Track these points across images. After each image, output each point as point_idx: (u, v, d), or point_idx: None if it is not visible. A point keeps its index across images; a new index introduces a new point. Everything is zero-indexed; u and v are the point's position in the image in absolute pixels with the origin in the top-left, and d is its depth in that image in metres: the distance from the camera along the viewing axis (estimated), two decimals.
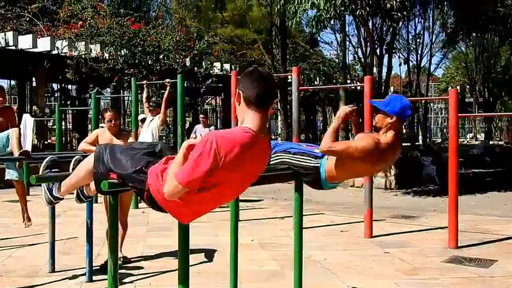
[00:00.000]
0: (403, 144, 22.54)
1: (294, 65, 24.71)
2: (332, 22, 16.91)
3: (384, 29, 16.02)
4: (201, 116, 11.76)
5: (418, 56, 22.93)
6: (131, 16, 20.25)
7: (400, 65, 24.00)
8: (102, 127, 6.92)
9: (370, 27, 15.85)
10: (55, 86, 21.95)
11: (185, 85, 21.34)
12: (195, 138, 9.65)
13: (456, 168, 6.98)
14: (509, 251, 6.84)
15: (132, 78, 11.02)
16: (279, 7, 12.94)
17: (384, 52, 16.42)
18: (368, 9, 11.69)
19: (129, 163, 3.03)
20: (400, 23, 20.47)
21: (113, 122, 6.07)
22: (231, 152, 2.59)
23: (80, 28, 16.41)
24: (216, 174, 2.62)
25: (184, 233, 3.09)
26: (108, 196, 5.89)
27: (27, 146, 12.65)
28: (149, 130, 9.53)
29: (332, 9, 11.28)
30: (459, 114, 7.04)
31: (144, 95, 10.30)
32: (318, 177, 3.96)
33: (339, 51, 19.49)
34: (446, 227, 7.19)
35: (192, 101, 23.87)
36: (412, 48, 23.31)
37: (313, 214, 9.58)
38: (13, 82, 23.80)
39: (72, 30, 16.44)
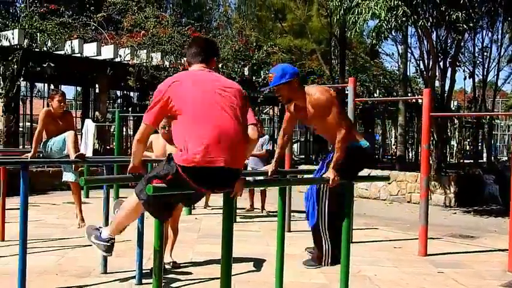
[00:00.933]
0: (466, 161, 21.82)
1: (354, 76, 24.55)
2: (393, 33, 16.66)
3: (449, 41, 15.60)
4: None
5: (485, 70, 22.24)
6: (192, 25, 20.62)
7: (465, 79, 23.29)
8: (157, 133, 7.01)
9: (434, 39, 15.48)
10: (118, 92, 22.56)
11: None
12: None
13: None
14: None
15: None
16: (338, 17, 12.80)
17: (447, 65, 15.98)
18: (431, 20, 11.40)
19: (162, 163, 3.47)
20: (466, 35, 20.01)
21: (166, 129, 6.15)
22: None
23: (142, 37, 16.79)
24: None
25: (228, 241, 3.06)
26: None
27: (89, 150, 13.06)
28: None
29: (393, 20, 11.06)
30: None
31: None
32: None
33: (399, 63, 19.07)
34: (507, 250, 6.87)
35: (254, 111, 23.99)
36: (478, 61, 22.61)
37: (366, 228, 9.39)
38: (79, 88, 24.60)
39: (134, 39, 16.85)
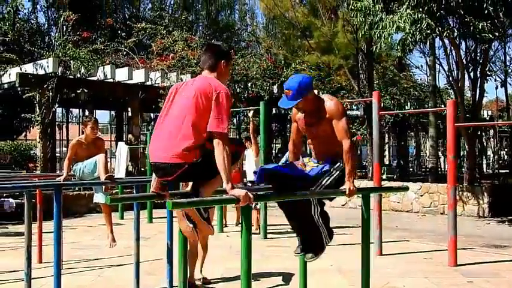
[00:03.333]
0: (502, 171, 21.43)
1: (383, 90, 24.51)
2: (420, 46, 16.66)
3: (478, 51, 15.52)
4: None
5: None
6: None
7: (496, 88, 22.91)
8: None
9: (464, 49, 15.46)
10: (152, 115, 23.08)
11: (273, 112, 21.94)
12: (284, 161, 9.80)
13: None
14: None
15: None
16: (363, 32, 12.90)
17: (477, 75, 15.88)
18: (456, 31, 11.40)
19: None
20: (496, 44, 19.84)
21: None
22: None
23: (171, 60, 17.19)
24: None
25: (247, 253, 3.19)
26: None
27: (121, 172, 13.38)
28: (252, 164, 10.39)
29: (418, 33, 11.11)
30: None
31: (251, 127, 10.54)
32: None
33: (428, 75, 19.00)
34: None
35: (281, 127, 24.16)
36: (510, 70, 22.33)
37: (397, 241, 9.38)
38: (113, 112, 25.22)
39: (164, 62, 17.26)
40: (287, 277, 6.65)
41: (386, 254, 8.26)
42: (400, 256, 8.11)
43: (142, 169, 16.84)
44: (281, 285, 6.31)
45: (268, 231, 10.01)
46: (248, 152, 10.41)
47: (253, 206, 10.66)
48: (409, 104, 25.58)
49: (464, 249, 8.70)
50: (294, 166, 4.29)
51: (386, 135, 31.51)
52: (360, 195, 4.36)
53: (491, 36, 11.14)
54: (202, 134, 3.41)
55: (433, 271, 7.04)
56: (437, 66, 17.80)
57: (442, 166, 24.42)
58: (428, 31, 11.01)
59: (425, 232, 10.55)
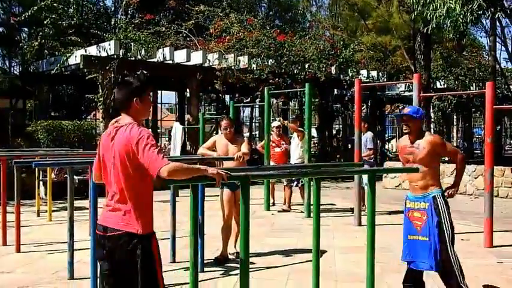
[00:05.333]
0: None
1: (447, 71, 23.97)
2: (479, 25, 16.27)
3: None
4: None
5: None
6: (278, 28, 21.16)
7: None
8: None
9: None
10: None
11: (334, 92, 21.98)
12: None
13: None
14: None
15: (266, 88, 11.64)
16: (416, 13, 12.78)
17: None
18: (509, 12, 11.13)
19: None
20: None
21: (228, 130, 6.68)
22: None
23: (228, 42, 17.56)
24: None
25: (245, 224, 3.49)
26: (222, 195, 6.52)
27: (177, 151, 13.95)
28: (296, 147, 10.89)
29: (469, 14, 10.94)
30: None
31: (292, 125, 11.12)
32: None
33: (488, 56, 18.49)
34: None
35: (342, 108, 24.17)
36: None
37: None
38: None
39: (222, 44, 17.66)
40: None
41: None
42: None
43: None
44: (311, 261, 6.56)
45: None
46: (293, 136, 10.90)
47: (294, 184, 10.95)
48: (474, 84, 24.93)
49: (506, 231, 8.67)
50: (416, 247, 4.74)
51: (455, 117, 30.85)
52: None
53: None
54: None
55: (466, 251, 7.08)
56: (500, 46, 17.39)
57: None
58: (480, 12, 10.83)
59: (471, 214, 10.50)
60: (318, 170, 4.91)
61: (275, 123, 11.74)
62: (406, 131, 4.84)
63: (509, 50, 15.18)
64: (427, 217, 4.65)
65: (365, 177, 9.68)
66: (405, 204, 4.92)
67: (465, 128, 28.68)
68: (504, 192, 13.28)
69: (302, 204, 10.72)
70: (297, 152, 10.79)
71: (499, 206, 10.93)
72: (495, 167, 13.69)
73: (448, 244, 4.58)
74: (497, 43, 17.09)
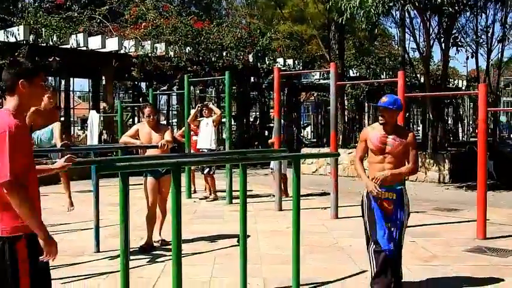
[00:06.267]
0: (474, 139, 21.90)
1: (359, 60, 24.81)
2: (391, 16, 16.94)
3: (448, 22, 15.82)
4: (271, 111, 11.64)
5: (491, 49, 22.32)
6: (195, 15, 21.03)
7: (467, 59, 23.28)
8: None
9: (436, 20, 15.78)
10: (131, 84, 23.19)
11: (251, 80, 22.14)
12: None
13: (484, 163, 7.08)
14: None
15: (185, 76, 11.60)
16: (330, 4, 13.13)
17: (450, 46, 16.23)
18: (417, 4, 11.68)
19: None
20: (469, 15, 20.17)
21: (151, 117, 6.63)
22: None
23: (144, 28, 17.28)
24: None
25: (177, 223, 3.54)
26: (146, 184, 6.49)
27: (94, 140, 13.63)
28: (207, 132, 10.59)
29: (380, 5, 11.38)
30: (488, 109, 7.10)
31: (192, 113, 10.88)
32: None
33: (398, 46, 19.33)
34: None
35: (258, 96, 24.43)
36: (481, 41, 22.68)
37: (357, 205, 9.81)
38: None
39: (138, 30, 17.35)
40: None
41: (342, 217, 8.71)
42: (356, 219, 8.52)
43: (116, 137, 17.09)
44: (235, 245, 6.69)
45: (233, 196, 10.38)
46: (208, 120, 10.67)
47: (205, 171, 10.96)
48: (384, 73, 25.97)
49: (417, 212, 9.18)
50: (387, 229, 4.76)
51: (366, 104, 31.95)
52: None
53: (450, 10, 11.45)
54: None
55: None
56: (409, 36, 18.17)
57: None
58: (391, 4, 11.30)
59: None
60: (244, 156, 4.99)
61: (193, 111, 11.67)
62: (382, 121, 4.76)
63: (417, 40, 15.94)
64: (394, 208, 4.75)
65: (272, 163, 10.55)
66: (369, 194, 4.82)
67: (376, 115, 29.82)
68: (413, 176, 13.98)
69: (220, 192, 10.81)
70: (211, 138, 10.58)
71: (408, 189, 11.49)
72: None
73: (403, 233, 4.80)
74: (406, 34, 17.84)
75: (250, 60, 19.83)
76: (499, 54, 23.81)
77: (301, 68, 21.49)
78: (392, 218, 4.73)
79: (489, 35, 22.30)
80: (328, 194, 9.36)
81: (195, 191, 11.62)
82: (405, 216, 4.79)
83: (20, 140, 2.77)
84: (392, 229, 4.73)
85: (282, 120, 10.86)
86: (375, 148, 4.79)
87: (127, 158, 4.79)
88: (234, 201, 10.22)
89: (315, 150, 17.11)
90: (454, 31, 16.56)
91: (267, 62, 20.38)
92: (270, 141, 11.19)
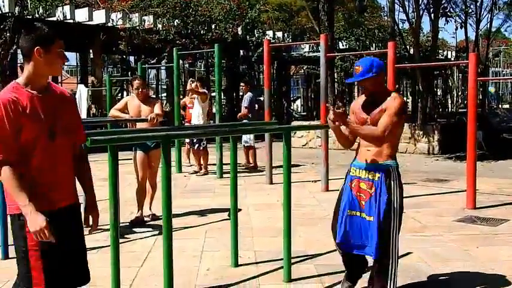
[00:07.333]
0: (463, 110, 22.03)
1: (348, 32, 24.65)
2: None
3: None
4: (241, 84, 12.07)
5: (480, 19, 22.28)
6: None
7: (456, 29, 23.25)
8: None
9: None
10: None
11: (240, 54, 21.95)
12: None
13: (474, 134, 7.10)
14: None
15: (174, 49, 11.47)
16: None
17: (439, 16, 16.16)
18: None
19: None
20: None
21: (140, 90, 6.55)
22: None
23: (132, 0, 17.04)
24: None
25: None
26: (135, 158, 6.44)
27: (83, 114, 13.51)
28: (198, 108, 10.49)
29: None
30: (478, 78, 7.07)
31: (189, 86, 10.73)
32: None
33: (387, 17, 19.21)
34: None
35: (249, 70, 24.30)
36: (470, 11, 22.61)
37: (342, 178, 9.83)
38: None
39: (126, 2, 17.11)
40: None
41: (333, 190, 8.72)
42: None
43: (106, 111, 16.96)
44: (226, 219, 6.68)
45: (224, 170, 10.36)
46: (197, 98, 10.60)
47: (195, 146, 10.93)
48: (374, 45, 25.86)
49: (407, 183, 9.20)
50: (355, 224, 3.85)
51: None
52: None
53: None
54: None
55: None
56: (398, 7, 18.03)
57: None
58: None
59: None
60: (235, 128, 4.96)
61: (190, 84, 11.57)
62: (366, 93, 3.95)
63: (407, 11, 15.84)
64: (375, 191, 3.76)
65: (244, 137, 10.89)
66: (349, 172, 3.99)
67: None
68: (403, 148, 14.03)
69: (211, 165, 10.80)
70: (199, 113, 10.48)
71: (399, 161, 11.56)
72: (406, 124, 14.47)
73: (392, 231, 3.71)
74: (395, 4, 17.71)
75: (240, 33, 19.65)
76: (488, 24, 23.86)
77: (290, 40, 21.34)
78: (369, 205, 3.76)
79: (478, 4, 22.29)
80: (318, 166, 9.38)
81: (190, 165, 11.58)
82: (396, 205, 3.72)
83: (16, 116, 2.63)
84: (371, 219, 3.75)
85: (250, 93, 11.29)
86: (358, 121, 3.88)
87: (116, 132, 4.73)
88: (224, 175, 10.21)
89: (305, 123, 17.09)
90: (443, 1, 16.53)
91: (256, 35, 20.22)
92: (239, 115, 11.37)
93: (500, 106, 32.62)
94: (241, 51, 22.03)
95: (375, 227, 3.71)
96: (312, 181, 9.60)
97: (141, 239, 5.92)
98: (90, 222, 3.09)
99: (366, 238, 3.78)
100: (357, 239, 3.84)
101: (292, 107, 30.20)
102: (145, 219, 6.66)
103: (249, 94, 11.27)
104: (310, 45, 22.98)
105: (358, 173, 3.88)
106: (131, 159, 6.73)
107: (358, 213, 3.82)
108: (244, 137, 10.97)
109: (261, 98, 11.34)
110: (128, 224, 6.46)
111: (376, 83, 3.82)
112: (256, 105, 11.36)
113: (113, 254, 3.59)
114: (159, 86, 26.54)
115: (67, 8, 15.79)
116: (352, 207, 3.84)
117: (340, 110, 3.66)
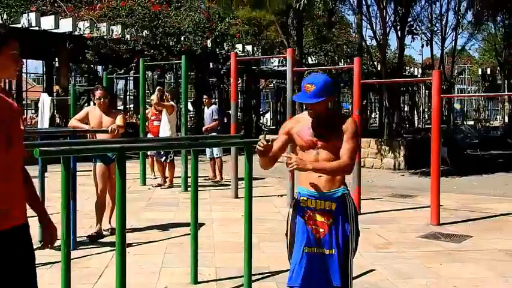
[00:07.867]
0: (429, 126, 22.39)
1: (318, 47, 24.84)
2: (339, 4, 16.99)
3: (404, 10, 15.94)
4: (204, 96, 11.89)
5: (445, 37, 22.73)
6: None
7: (422, 46, 23.73)
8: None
9: (393, 7, 15.88)
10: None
11: (210, 66, 21.86)
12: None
13: (438, 149, 7.14)
14: (488, 228, 6.99)
15: (141, 59, 11.31)
16: None
17: (405, 34, 16.38)
18: None
19: None
20: (424, 3, 20.44)
21: (102, 100, 6.39)
22: None
23: (99, 10, 16.82)
24: None
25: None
26: (95, 170, 6.26)
27: (45, 123, 13.21)
28: (165, 121, 10.35)
29: None
30: (442, 95, 7.12)
31: (154, 98, 10.47)
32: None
33: (355, 34, 19.41)
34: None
35: (218, 82, 24.20)
36: (435, 29, 23.07)
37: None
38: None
39: (93, 11, 16.87)
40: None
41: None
42: None
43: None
44: (188, 234, 6.54)
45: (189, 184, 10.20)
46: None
47: (162, 159, 10.78)
48: (342, 60, 26.12)
49: (372, 199, 9.22)
50: (316, 265, 3.43)
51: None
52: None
53: None
54: None
55: None
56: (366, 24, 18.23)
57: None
58: None
59: None
60: (196, 142, 4.84)
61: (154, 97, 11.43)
62: (311, 114, 3.42)
63: (374, 28, 16.02)
64: (332, 222, 3.38)
65: (215, 150, 10.93)
66: (298, 203, 3.53)
67: (334, 102, 30.01)
68: (369, 163, 14.09)
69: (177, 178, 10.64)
70: (165, 125, 10.34)
71: (365, 176, 11.58)
72: (362, 139, 14.57)
73: (350, 257, 3.41)
74: (363, 21, 17.92)
75: (209, 45, 19.56)
76: (453, 42, 24.36)
77: (259, 54, 21.35)
78: (328, 237, 3.37)
79: (443, 23, 22.76)
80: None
81: (155, 177, 11.39)
82: (354, 232, 3.39)
83: None
84: (332, 252, 3.37)
85: (214, 106, 11.43)
86: (306, 144, 3.44)
87: (71, 143, 4.57)
88: (189, 188, 10.03)
89: (274, 137, 17.01)
90: (410, 19, 16.78)
91: (226, 48, 20.15)
92: (207, 127, 11.23)
93: (465, 122, 33.20)
94: (210, 63, 21.93)
95: (337, 260, 3.36)
96: (278, 195, 9.52)
97: (97, 254, 5.72)
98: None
99: (329, 273, 3.40)
100: (321, 281, 3.42)
101: (261, 121, 30.23)
102: (105, 233, 6.46)
103: (215, 106, 11.23)
104: (279, 60, 23.05)
105: (310, 203, 3.43)
106: (91, 170, 6.54)
107: (316, 250, 3.40)
108: (215, 150, 10.90)
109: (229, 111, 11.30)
110: (86, 238, 6.26)
111: (326, 105, 3.43)
112: (225, 118, 11.32)
113: (63, 271, 3.42)
114: (127, 97, 26.25)
115: (32, 15, 15.47)
116: (308, 243, 3.41)
117: (268, 143, 3.35)
